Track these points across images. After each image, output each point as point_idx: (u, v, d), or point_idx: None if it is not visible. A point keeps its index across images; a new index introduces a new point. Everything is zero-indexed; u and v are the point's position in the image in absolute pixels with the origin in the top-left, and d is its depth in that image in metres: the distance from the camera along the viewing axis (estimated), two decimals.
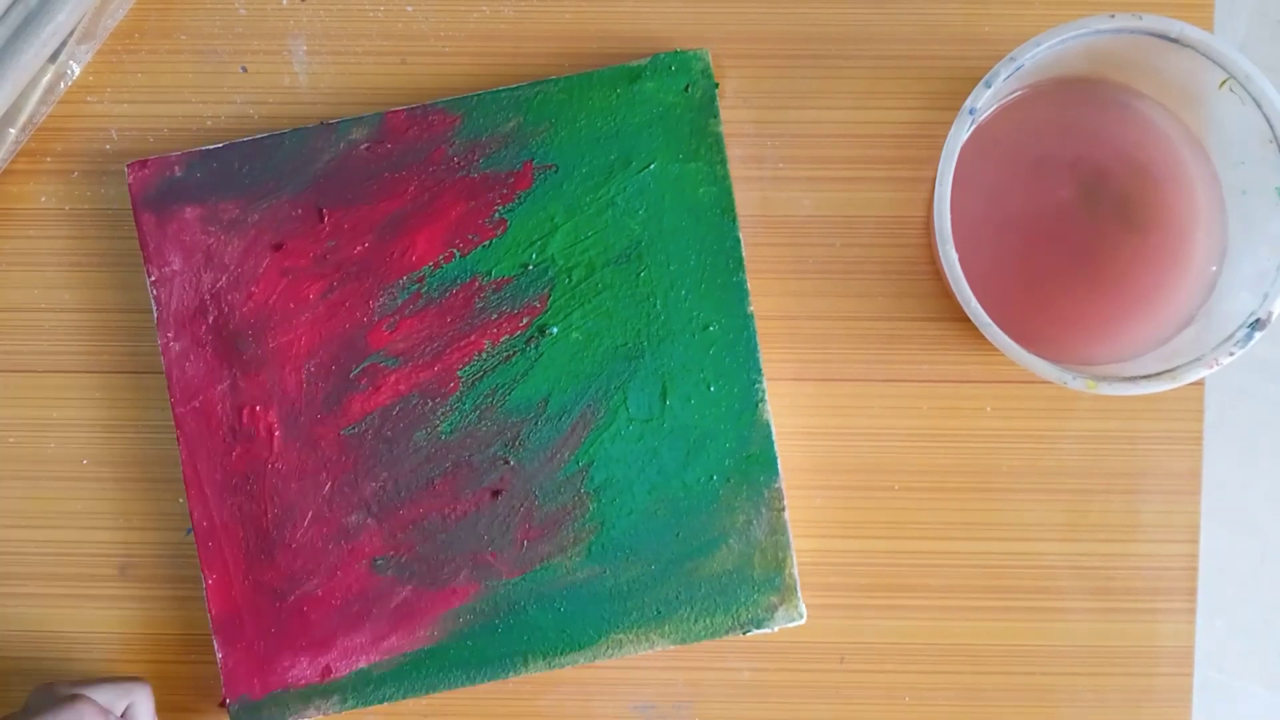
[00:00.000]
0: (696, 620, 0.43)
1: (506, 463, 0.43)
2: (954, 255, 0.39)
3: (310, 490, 0.43)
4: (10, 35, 0.43)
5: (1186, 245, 0.42)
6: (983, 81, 0.39)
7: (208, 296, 0.43)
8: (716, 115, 0.43)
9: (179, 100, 0.45)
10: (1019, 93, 0.43)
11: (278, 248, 0.43)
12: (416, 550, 0.43)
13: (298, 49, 0.45)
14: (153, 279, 0.43)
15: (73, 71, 0.45)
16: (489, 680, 0.43)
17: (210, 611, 0.43)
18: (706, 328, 0.43)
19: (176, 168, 0.43)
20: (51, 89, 0.45)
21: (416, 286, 0.43)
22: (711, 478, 0.43)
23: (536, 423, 0.43)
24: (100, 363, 0.45)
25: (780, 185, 0.45)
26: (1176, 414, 0.44)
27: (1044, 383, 0.40)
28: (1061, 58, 0.40)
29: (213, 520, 0.43)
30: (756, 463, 0.43)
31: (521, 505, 0.43)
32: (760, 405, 0.43)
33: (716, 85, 0.43)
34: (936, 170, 0.39)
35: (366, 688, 0.43)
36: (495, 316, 0.43)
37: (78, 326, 0.45)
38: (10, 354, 0.45)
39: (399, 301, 0.43)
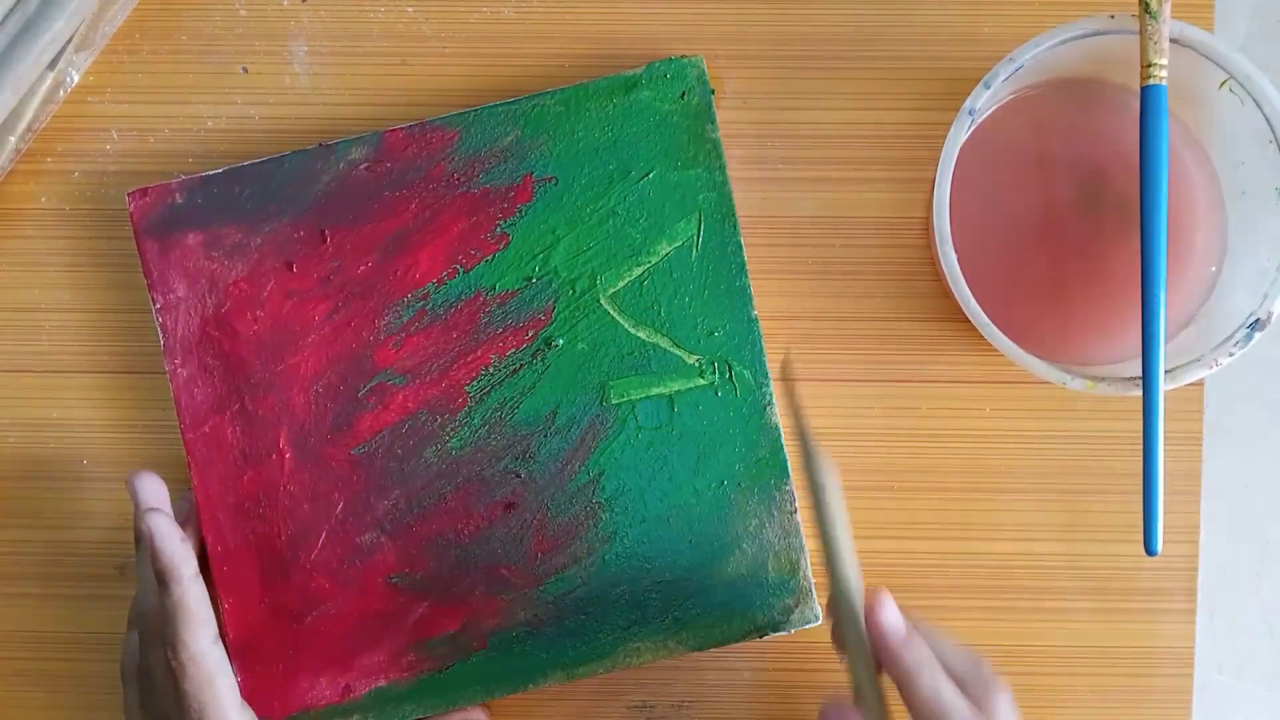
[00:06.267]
0: (714, 626, 0.43)
1: (518, 476, 0.43)
2: (953, 255, 0.39)
3: (323, 511, 0.43)
4: (9, 43, 0.43)
5: (1186, 245, 0.42)
6: (982, 82, 0.39)
7: (213, 322, 0.43)
8: (713, 121, 0.43)
9: (180, 101, 0.45)
10: (1018, 93, 0.43)
11: (282, 270, 0.43)
12: (431, 567, 0.43)
13: (298, 50, 0.45)
14: (158, 306, 0.43)
15: (71, 79, 0.45)
16: (508, 693, 0.43)
17: (228, 635, 0.42)
18: (712, 334, 0.43)
19: (177, 194, 0.43)
20: (51, 96, 0.45)
21: (421, 304, 0.43)
22: (722, 483, 0.43)
23: (546, 435, 0.43)
24: (100, 363, 0.45)
25: (780, 186, 0.45)
26: (1176, 414, 0.44)
27: (1043, 383, 0.40)
28: (1061, 58, 0.40)
29: (227, 544, 0.43)
30: (767, 466, 0.43)
31: (534, 518, 0.43)
32: (768, 409, 0.43)
33: (712, 92, 0.43)
34: (936, 170, 0.39)
35: (387, 705, 0.43)
36: (501, 330, 0.43)
37: (78, 326, 0.45)
38: (10, 354, 0.45)
39: (404, 319, 0.43)
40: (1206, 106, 0.41)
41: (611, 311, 0.43)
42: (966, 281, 0.39)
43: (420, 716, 0.43)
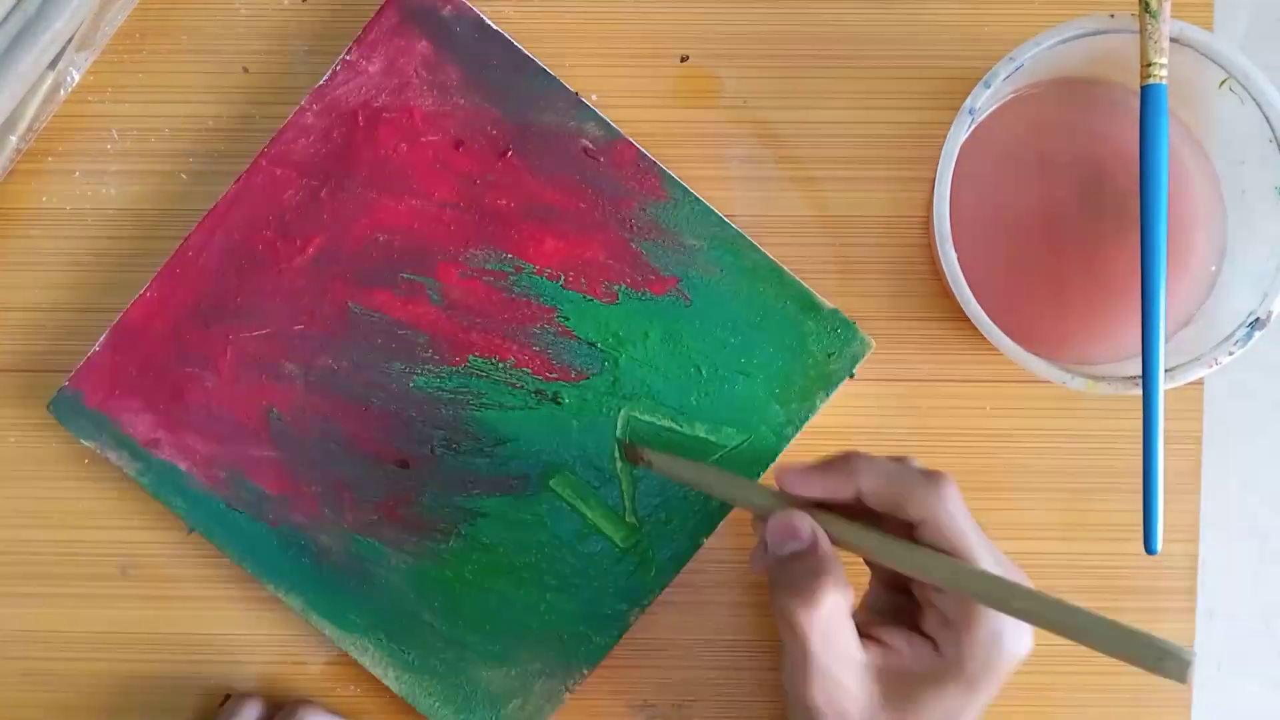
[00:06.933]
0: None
1: (431, 453, 0.43)
2: (953, 255, 0.39)
3: (285, 315, 0.43)
4: (9, 43, 0.43)
5: (1186, 245, 0.42)
6: (982, 81, 0.39)
7: (370, 113, 0.43)
8: (827, 392, 0.43)
9: (181, 100, 0.45)
10: (1018, 93, 0.43)
11: (450, 140, 0.43)
12: (305, 440, 0.43)
13: (299, 50, 0.45)
14: (348, 57, 0.43)
15: (72, 78, 0.45)
16: (262, 577, 0.43)
17: (123, 313, 0.43)
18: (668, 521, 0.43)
19: (448, 8, 0.42)
20: (51, 96, 0.44)
21: (509, 269, 0.43)
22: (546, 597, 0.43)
23: (480, 449, 0.43)
24: None
25: (780, 185, 0.45)
26: (1176, 414, 0.44)
27: (1043, 383, 0.40)
28: (1061, 58, 0.40)
29: (200, 255, 0.43)
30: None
31: (407, 493, 0.43)
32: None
33: (852, 375, 0.43)
34: (936, 170, 0.39)
35: (167, 482, 0.43)
36: (537, 349, 0.43)
37: (78, 326, 0.45)
38: (10, 354, 0.45)
39: (487, 266, 0.43)
40: (1206, 106, 0.41)
41: (619, 423, 0.43)
42: (966, 281, 0.39)
43: (182, 516, 0.43)
